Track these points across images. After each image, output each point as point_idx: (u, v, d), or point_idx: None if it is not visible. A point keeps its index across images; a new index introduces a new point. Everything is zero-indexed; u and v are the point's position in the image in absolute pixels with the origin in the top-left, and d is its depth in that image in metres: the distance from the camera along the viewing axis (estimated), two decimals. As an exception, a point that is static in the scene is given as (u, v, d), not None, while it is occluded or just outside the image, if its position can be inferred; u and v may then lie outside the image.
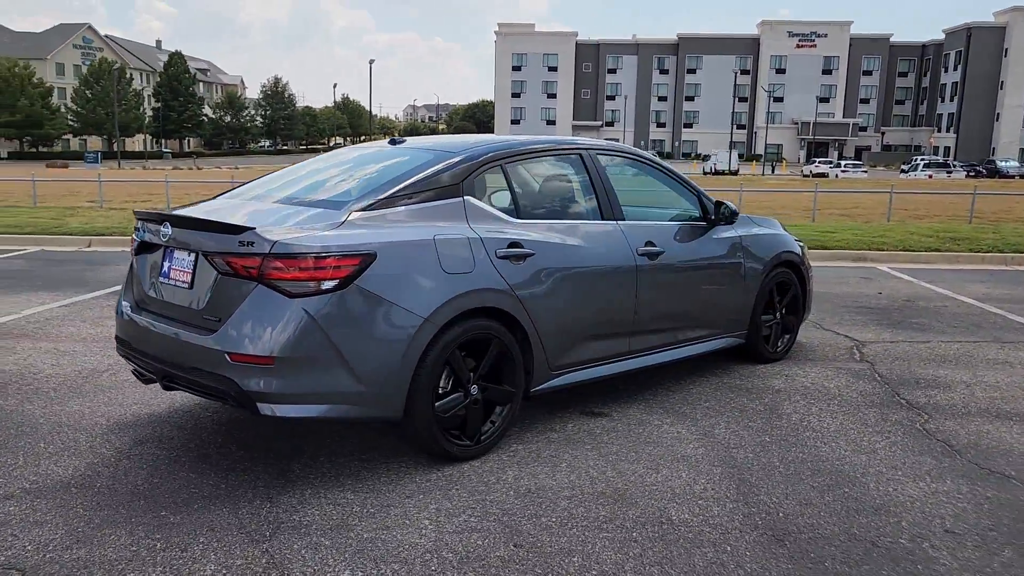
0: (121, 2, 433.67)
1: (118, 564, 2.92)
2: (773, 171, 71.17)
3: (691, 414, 4.72)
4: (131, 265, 4.20)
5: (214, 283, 3.57)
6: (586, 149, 4.79)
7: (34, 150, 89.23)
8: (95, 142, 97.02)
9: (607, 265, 4.54)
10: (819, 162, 66.62)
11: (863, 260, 11.78)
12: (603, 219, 4.67)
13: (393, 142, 4.67)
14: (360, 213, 3.70)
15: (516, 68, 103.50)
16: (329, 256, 3.44)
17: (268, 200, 4.09)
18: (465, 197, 4.04)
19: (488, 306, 3.91)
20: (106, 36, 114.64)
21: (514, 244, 4.07)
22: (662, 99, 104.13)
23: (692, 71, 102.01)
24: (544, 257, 4.19)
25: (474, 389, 3.93)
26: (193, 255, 3.68)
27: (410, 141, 4.64)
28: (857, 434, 4.43)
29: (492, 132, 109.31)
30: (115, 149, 78.79)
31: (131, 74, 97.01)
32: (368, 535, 3.18)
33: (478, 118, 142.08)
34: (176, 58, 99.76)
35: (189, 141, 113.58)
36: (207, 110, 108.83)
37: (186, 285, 3.70)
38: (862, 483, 3.78)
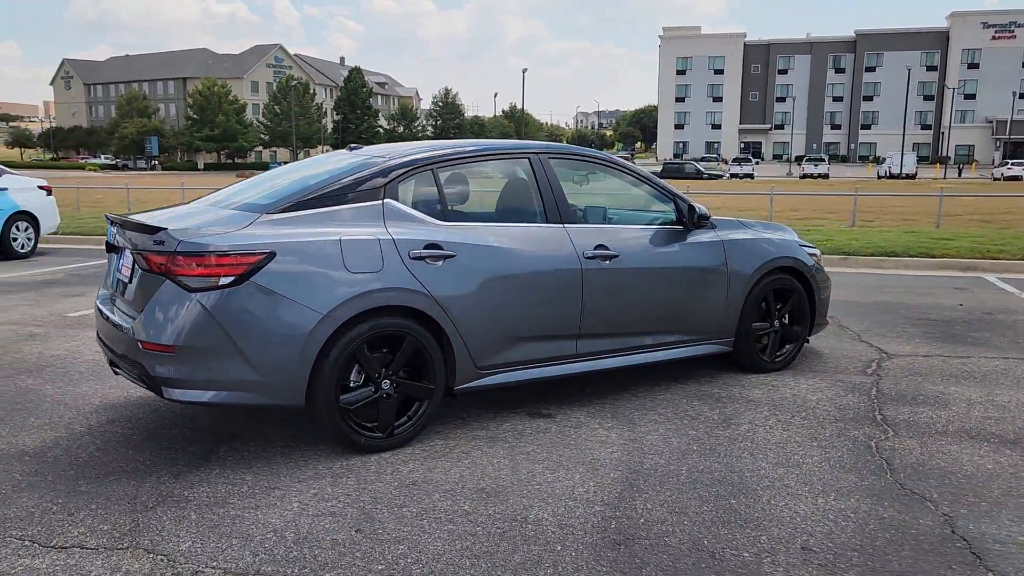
0: (315, 23, 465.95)
1: (7, 522, 3.35)
2: (960, 174, 65.93)
3: (637, 420, 4.68)
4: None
5: (139, 278, 3.99)
6: (536, 153, 4.85)
7: (230, 161, 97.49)
8: (284, 153, 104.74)
9: (545, 268, 4.59)
10: (1012, 164, 60.88)
11: (971, 270, 10.86)
12: (548, 222, 4.73)
13: (351, 149, 4.95)
14: (272, 215, 4.00)
15: (680, 72, 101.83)
16: (226, 254, 3.76)
17: (217, 204, 4.46)
18: (385, 200, 4.24)
19: (399, 305, 4.09)
20: (295, 55, 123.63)
21: (432, 246, 4.23)
22: (837, 99, 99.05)
23: (871, 69, 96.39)
24: (467, 258, 4.32)
25: (386, 384, 4.12)
26: (131, 253, 4.12)
27: (365, 149, 4.89)
28: (795, 448, 4.24)
29: (655, 137, 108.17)
30: (297, 160, 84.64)
31: (314, 89, 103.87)
32: (235, 512, 3.46)
33: (644, 123, 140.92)
34: (355, 73, 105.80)
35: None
36: (382, 121, 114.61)
37: (127, 280, 4.15)
38: (757, 496, 3.64)
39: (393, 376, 4.15)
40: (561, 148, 5.14)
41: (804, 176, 61.60)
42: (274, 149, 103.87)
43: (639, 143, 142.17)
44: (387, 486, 3.74)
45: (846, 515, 3.45)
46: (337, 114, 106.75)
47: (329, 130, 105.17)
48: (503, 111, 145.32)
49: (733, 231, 5.50)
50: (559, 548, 3.16)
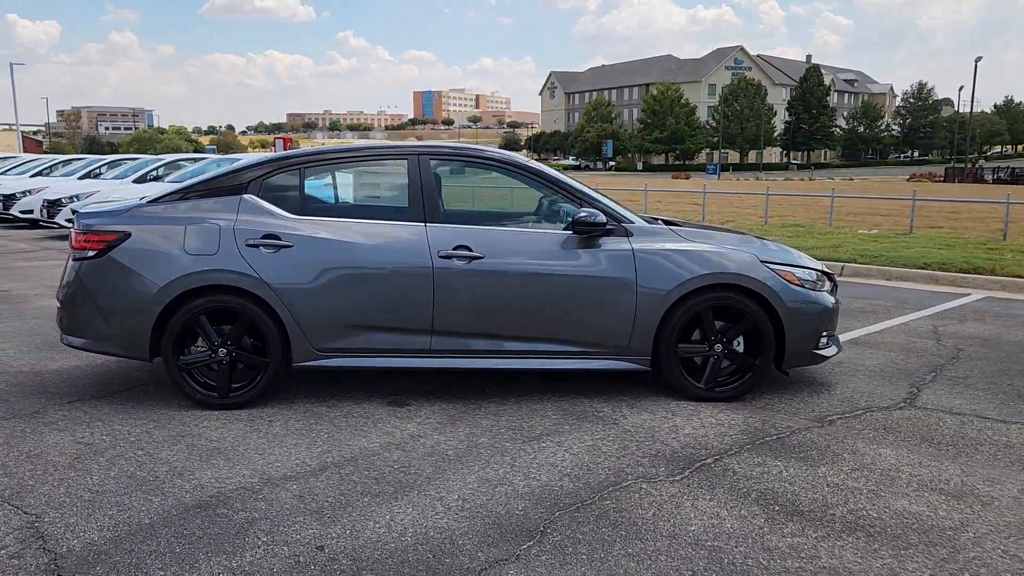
0: (801, 21, 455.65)
1: (-66, 409, 4.85)
2: None
3: (460, 423, 4.65)
4: None
5: (77, 250, 5.26)
6: (418, 154, 5.05)
7: (678, 163, 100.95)
8: (734, 156, 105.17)
9: (391, 263, 4.82)
10: None
11: None
12: (411, 220, 4.93)
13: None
14: (153, 204, 4.97)
15: None
16: (95, 232, 4.83)
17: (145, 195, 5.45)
18: (244, 195, 4.92)
19: (230, 284, 4.76)
20: (758, 56, 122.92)
21: (270, 236, 4.80)
22: None
23: None
24: (304, 249, 4.79)
25: (222, 352, 4.83)
26: None
27: (296, 150, 5.55)
28: (514, 468, 3.95)
29: None
30: (743, 162, 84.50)
31: (766, 90, 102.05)
32: (36, 433, 4.45)
33: None
34: (811, 72, 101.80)
35: (825, 153, 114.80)
36: (840, 121, 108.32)
37: None
38: (346, 504, 3.62)
39: (231, 346, 4.84)
40: (445, 149, 5.24)
41: None
42: (725, 151, 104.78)
43: None
44: (162, 433, 4.45)
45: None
46: (790, 114, 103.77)
47: (780, 131, 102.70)
48: (995, 105, 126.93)
49: (654, 241, 5.00)
50: (156, 500, 3.61)
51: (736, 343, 5.07)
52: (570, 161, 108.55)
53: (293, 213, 4.93)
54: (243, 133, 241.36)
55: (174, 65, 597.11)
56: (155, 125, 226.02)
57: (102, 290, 4.82)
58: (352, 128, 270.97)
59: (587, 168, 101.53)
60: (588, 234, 4.92)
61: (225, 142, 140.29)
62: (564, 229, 5.02)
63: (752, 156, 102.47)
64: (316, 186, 5.14)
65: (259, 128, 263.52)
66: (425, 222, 4.92)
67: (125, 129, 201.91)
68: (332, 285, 4.80)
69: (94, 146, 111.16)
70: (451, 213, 5.19)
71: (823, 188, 30.03)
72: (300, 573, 2.99)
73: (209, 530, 3.32)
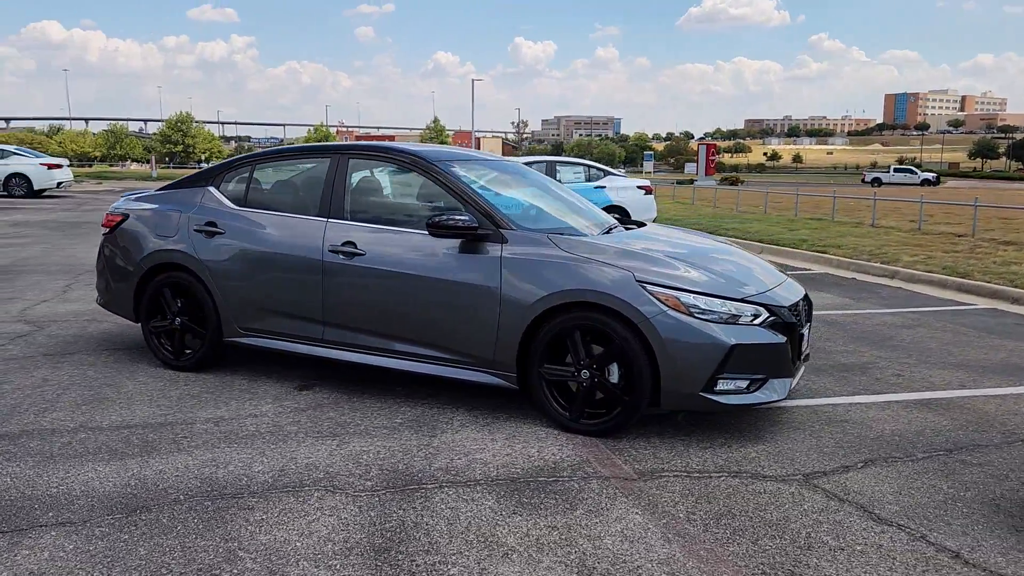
0: None
1: None
2: None
3: (314, 411, 4.81)
4: None
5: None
6: (339, 153, 5.27)
7: None
8: None
9: (290, 254, 5.14)
10: None
11: None
12: (318, 215, 5.18)
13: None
14: (156, 191, 5.96)
15: None
16: (112, 214, 5.95)
17: None
18: (208, 187, 5.64)
19: (178, 263, 5.53)
20: None
21: (210, 223, 5.46)
22: None
23: None
24: (232, 236, 5.36)
25: (177, 321, 5.62)
26: None
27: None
28: (244, 461, 4.02)
29: None
30: None
31: None
32: (46, 364, 5.73)
33: None
34: None
35: None
36: None
37: None
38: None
39: (183, 316, 5.60)
40: (360, 147, 5.31)
41: None
42: None
43: None
44: (102, 380, 5.35)
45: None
46: None
47: None
48: None
49: (527, 249, 4.55)
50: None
51: (608, 372, 4.40)
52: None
53: (237, 205, 5.51)
54: (699, 139, 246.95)
55: (647, 76, 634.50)
56: (621, 132, 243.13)
57: (108, 260, 5.95)
58: (811, 134, 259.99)
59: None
60: (445, 237, 4.69)
61: (676, 147, 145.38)
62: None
63: None
64: (261, 181, 5.65)
65: (715, 135, 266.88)
66: (328, 217, 5.14)
67: (596, 135, 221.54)
68: (248, 270, 5.29)
69: (557, 151, 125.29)
70: (366, 208, 5.26)
71: None
72: (-51, 495, 3.60)
73: (-31, 453, 4.09)
